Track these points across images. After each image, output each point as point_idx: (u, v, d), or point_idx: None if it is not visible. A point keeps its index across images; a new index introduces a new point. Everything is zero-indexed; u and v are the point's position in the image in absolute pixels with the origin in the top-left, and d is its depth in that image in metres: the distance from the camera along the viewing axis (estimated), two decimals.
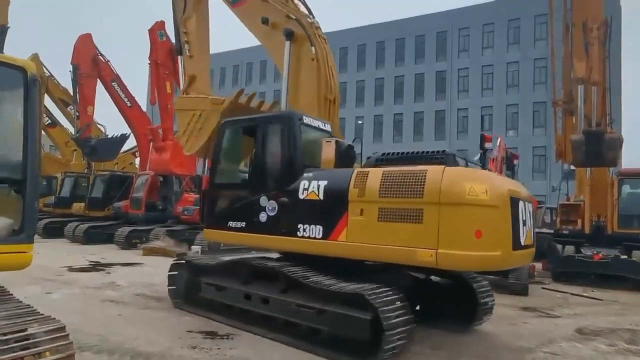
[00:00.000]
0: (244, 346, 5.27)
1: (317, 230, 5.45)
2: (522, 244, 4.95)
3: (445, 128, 42.46)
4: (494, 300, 6.32)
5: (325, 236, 5.36)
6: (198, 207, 14.57)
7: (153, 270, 10.55)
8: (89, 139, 17.44)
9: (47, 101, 21.06)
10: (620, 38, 35.62)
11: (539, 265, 12.01)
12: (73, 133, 19.11)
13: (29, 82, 3.74)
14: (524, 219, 5.01)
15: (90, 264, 11.41)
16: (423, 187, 4.70)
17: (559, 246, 12.87)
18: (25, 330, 3.18)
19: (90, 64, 17.69)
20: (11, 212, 3.74)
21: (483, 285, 6.23)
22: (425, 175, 4.76)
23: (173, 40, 14.93)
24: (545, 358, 5.33)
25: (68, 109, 20.18)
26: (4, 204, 3.84)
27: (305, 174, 5.75)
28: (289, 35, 7.75)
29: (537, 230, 13.59)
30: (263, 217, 6.01)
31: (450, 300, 6.22)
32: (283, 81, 7.86)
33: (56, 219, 18.07)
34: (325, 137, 6.23)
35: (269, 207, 5.97)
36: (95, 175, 18.02)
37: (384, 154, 5.64)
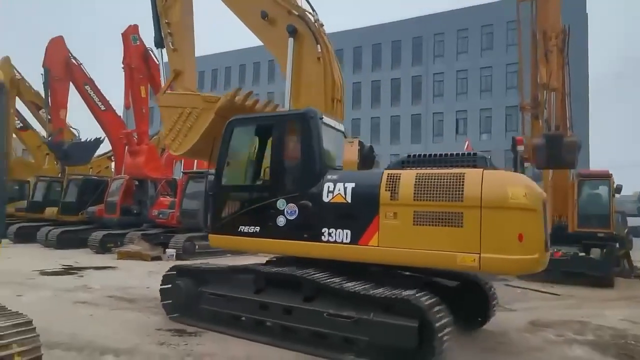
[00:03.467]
0: (210, 342, 5.47)
1: (344, 235, 5.28)
2: (549, 245, 5.01)
3: (422, 132, 43.28)
4: (497, 301, 6.45)
5: (355, 241, 5.21)
6: (173, 211, 14.88)
7: (127, 274, 10.61)
8: (61, 143, 17.27)
9: (19, 104, 20.76)
10: (587, 44, 37.01)
11: None
12: (45, 137, 18.90)
13: None
14: (546, 220, 5.04)
15: (63, 268, 11.37)
16: (462, 190, 4.67)
17: None
18: None
19: (62, 67, 17.52)
20: None
21: (491, 286, 6.30)
22: (463, 178, 4.73)
23: (147, 43, 14.85)
24: (493, 347, 5.69)
25: (40, 112, 19.91)
26: None
27: (328, 176, 5.56)
28: (293, 32, 7.38)
29: None
30: (281, 221, 5.73)
31: (458, 301, 6.02)
32: (287, 79, 7.50)
33: (29, 223, 17.81)
34: (347, 139, 6.06)
35: (287, 210, 5.69)
36: (69, 179, 17.83)
37: (409, 156, 5.53)
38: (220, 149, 6.45)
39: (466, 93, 41.87)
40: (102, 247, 14.20)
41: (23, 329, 3.44)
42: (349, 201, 5.29)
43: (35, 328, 3.51)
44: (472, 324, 6.19)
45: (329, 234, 5.37)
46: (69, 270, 11.02)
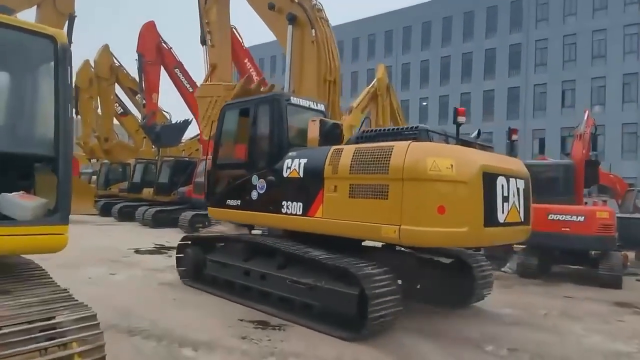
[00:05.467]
0: (296, 339, 4.87)
1: (297, 207, 5.66)
2: (502, 221, 4.87)
3: (520, 106, 39.48)
4: (491, 277, 6.39)
5: (305, 212, 5.56)
6: None
7: None
8: (154, 126, 17.94)
9: (118, 90, 22.05)
10: None
11: (632, 255, 10.61)
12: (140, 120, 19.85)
13: (60, 52, 3.47)
14: (506, 195, 4.94)
15: (155, 247, 11.67)
16: (389, 163, 4.72)
17: None
18: (53, 318, 2.93)
19: (154, 51, 18.12)
20: (46, 191, 3.54)
21: (479, 261, 6.25)
22: (391, 152, 4.77)
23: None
24: None
25: (136, 97, 20.93)
26: (40, 183, 3.65)
27: (290, 153, 5.96)
28: (292, 19, 8.14)
29: (628, 215, 11.98)
30: (254, 195, 6.29)
31: (451, 278, 6.25)
32: (286, 64, 8.22)
33: (129, 203, 18.95)
34: (312, 118, 6.23)
35: (259, 185, 6.24)
36: (162, 161, 18.55)
37: (365, 131, 5.85)
38: (216, 131, 7.28)
39: (575, 60, 37.19)
40: (191, 227, 14.49)
41: (86, 324, 2.99)
42: (301, 176, 5.65)
43: (99, 324, 3.06)
44: (459, 302, 6.27)
45: (287, 207, 5.79)
46: (160, 250, 11.26)
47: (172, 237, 13.66)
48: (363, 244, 5.84)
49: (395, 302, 4.78)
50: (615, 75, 35.18)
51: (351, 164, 5.08)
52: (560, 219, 8.76)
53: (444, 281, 6.32)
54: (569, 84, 37.35)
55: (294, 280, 5.40)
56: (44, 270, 3.80)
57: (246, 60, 16.02)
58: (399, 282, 6.66)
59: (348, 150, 5.25)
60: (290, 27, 8.16)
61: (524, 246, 9.57)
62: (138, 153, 21.95)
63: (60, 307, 3.07)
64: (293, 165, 5.79)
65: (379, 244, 5.98)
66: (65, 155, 3.42)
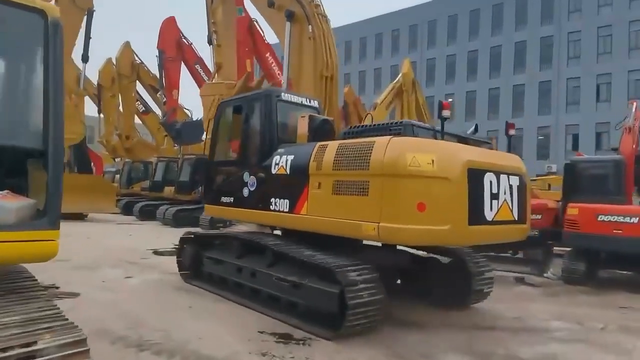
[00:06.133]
0: (321, 355, 4.30)
1: (285, 204, 5.59)
2: (490, 219, 4.72)
3: (552, 101, 37.91)
4: (492, 278, 6.10)
5: (291, 210, 5.48)
6: None
7: None
8: (174, 123, 17.64)
9: (140, 89, 21.91)
10: None
11: None
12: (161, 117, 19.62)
13: (51, 28, 2.99)
14: (495, 192, 4.77)
15: (174, 248, 11.27)
16: (369, 159, 4.61)
17: None
18: (34, 343, 2.44)
19: (174, 47, 17.81)
20: (37, 191, 3.06)
21: (478, 261, 6.06)
22: (372, 147, 4.66)
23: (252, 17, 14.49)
24: None
25: (158, 94, 20.76)
26: (31, 182, 3.18)
27: (279, 149, 5.89)
28: (290, 16, 8.12)
29: None
30: (245, 192, 6.27)
31: (449, 277, 6.08)
32: (284, 61, 8.26)
33: (150, 202, 18.77)
34: (301, 114, 6.16)
35: (250, 182, 6.20)
36: (183, 159, 18.27)
37: (351, 127, 5.86)
38: (212, 129, 7.25)
39: (610, 52, 35.45)
40: (212, 227, 14.13)
41: (72, 351, 2.49)
42: (288, 172, 5.59)
43: (88, 350, 2.55)
44: (455, 302, 6.07)
45: (275, 204, 5.74)
46: None
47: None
48: (364, 242, 5.57)
49: (375, 299, 4.66)
50: None
51: (334, 160, 5.00)
52: (611, 220, 7.95)
53: (442, 280, 6.17)
54: (604, 78, 35.64)
55: (280, 277, 5.37)
56: (35, 280, 3.33)
57: (268, 55, 15.54)
58: (398, 281, 6.63)
59: (332, 146, 5.17)
60: (288, 23, 8.16)
61: (568, 249, 8.81)
62: (160, 151, 21.79)
63: (45, 329, 2.57)
64: (281, 162, 5.74)
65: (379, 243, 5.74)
66: (56, 148, 2.94)
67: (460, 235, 4.57)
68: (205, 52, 18.63)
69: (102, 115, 21.90)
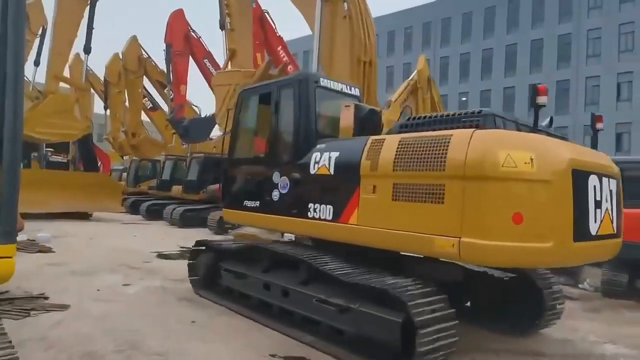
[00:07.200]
0: None
1: (327, 211, 4.77)
2: (594, 233, 3.81)
3: (570, 100, 36.85)
4: (563, 303, 5.27)
5: (336, 218, 4.67)
6: None
7: None
8: (181, 120, 17.08)
9: (147, 85, 21.40)
10: None
11: None
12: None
13: None
14: (599, 199, 3.88)
15: (180, 250, 10.70)
16: (445, 157, 3.74)
17: None
18: None
19: (182, 41, 17.27)
20: None
21: (552, 283, 5.12)
22: (449, 142, 3.78)
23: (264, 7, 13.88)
24: None
25: (165, 90, 20.24)
26: None
27: (318, 145, 5.07)
28: None
29: None
30: (275, 195, 5.44)
31: (510, 298, 5.22)
32: (314, 41, 7.33)
33: (157, 201, 18.27)
34: (345, 103, 5.24)
35: (281, 184, 5.37)
36: (191, 157, 17.72)
37: (411, 117, 4.70)
38: (233, 122, 6.41)
39: (632, 50, 34.32)
40: (220, 228, 13.53)
41: None
42: (332, 172, 4.79)
43: None
44: (523, 326, 5.15)
45: (314, 210, 4.92)
46: (184, 254, 10.21)
47: (199, 238, 12.74)
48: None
49: (449, 331, 3.81)
50: None
51: (395, 159, 4.15)
52: None
53: (500, 301, 5.28)
54: (626, 76, 34.54)
55: (322, 299, 4.51)
56: None
57: (279, 48, 14.92)
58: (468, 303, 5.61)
59: (391, 142, 4.30)
60: (319, 1, 7.26)
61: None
62: (167, 149, 21.28)
63: None
64: (322, 160, 4.90)
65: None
66: (12, 142, 2.26)
67: (564, 255, 3.71)
68: (214, 47, 18.02)
69: (108, 112, 21.43)
